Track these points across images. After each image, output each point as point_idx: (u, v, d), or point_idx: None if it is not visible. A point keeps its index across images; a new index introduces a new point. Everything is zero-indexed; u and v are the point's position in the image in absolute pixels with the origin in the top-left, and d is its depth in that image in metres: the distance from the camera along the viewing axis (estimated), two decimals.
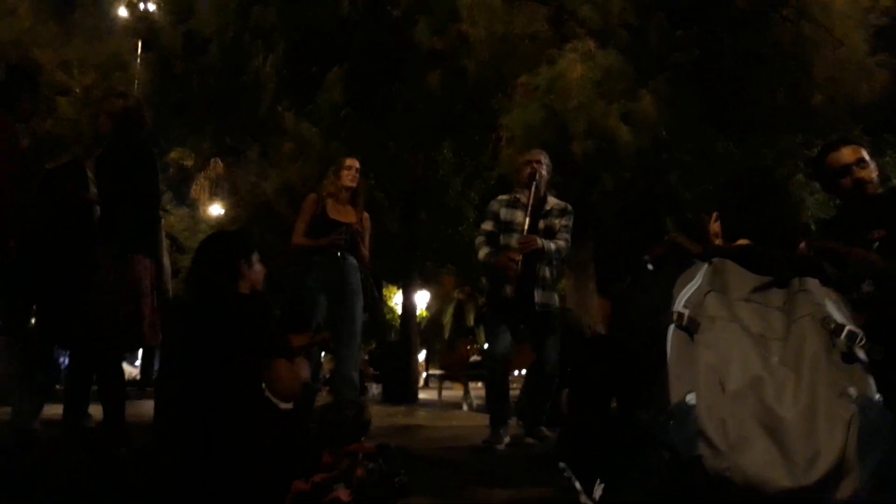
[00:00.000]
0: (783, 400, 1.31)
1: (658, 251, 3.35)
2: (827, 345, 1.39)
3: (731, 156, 9.08)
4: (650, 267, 2.29)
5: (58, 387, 4.87)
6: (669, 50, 8.59)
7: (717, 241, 1.83)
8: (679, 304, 1.46)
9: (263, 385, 2.63)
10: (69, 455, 3.39)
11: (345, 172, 4.57)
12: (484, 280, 4.63)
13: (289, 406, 2.82)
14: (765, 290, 1.51)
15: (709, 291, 1.47)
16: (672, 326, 1.43)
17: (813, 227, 8.21)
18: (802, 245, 1.98)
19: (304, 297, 4.37)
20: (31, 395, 3.85)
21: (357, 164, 4.66)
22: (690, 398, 1.32)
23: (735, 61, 8.46)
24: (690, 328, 1.41)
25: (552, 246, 4.33)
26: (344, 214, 4.53)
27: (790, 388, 1.32)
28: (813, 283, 1.50)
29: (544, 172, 4.49)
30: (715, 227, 1.87)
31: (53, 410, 4.08)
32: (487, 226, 4.55)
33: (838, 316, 1.44)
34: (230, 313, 2.64)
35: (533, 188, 4.37)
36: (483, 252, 4.47)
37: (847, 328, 1.41)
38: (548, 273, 4.43)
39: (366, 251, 4.57)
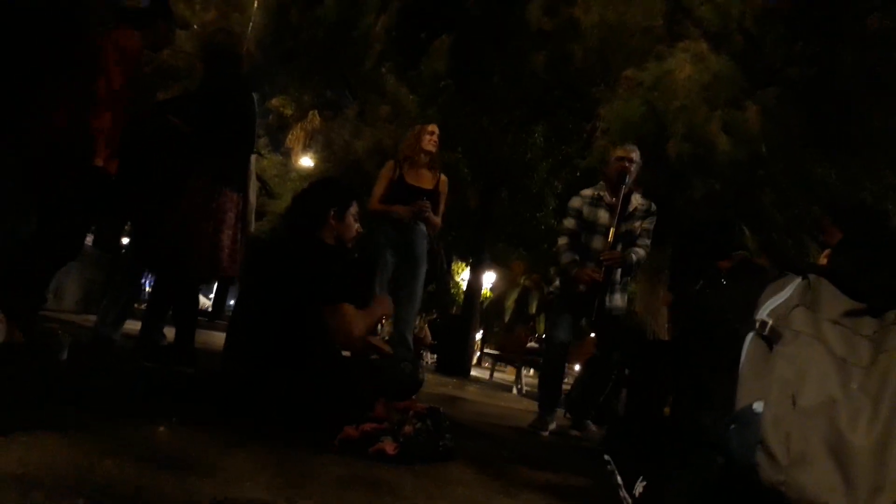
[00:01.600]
0: (856, 427, 1.27)
1: (726, 265, 3.27)
2: None
3: (829, 184, 8.67)
4: (723, 281, 2.24)
5: (137, 305, 5.09)
6: (785, 63, 8.24)
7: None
8: (763, 313, 1.43)
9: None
10: (140, 365, 3.58)
11: (427, 137, 4.61)
12: (553, 271, 4.58)
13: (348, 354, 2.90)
14: (857, 315, 1.46)
15: (797, 305, 1.43)
16: (752, 334, 1.41)
17: None
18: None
19: (373, 255, 4.47)
20: (116, 306, 4.04)
21: (438, 131, 4.69)
22: (758, 406, 1.30)
23: (851, 83, 8.03)
24: (771, 338, 1.38)
25: (634, 258, 4.26)
26: (421, 179, 4.57)
27: (865, 417, 1.28)
28: None
29: (633, 171, 4.36)
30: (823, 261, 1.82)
31: (132, 326, 4.29)
32: (570, 223, 4.45)
33: None
34: (300, 256, 2.71)
35: (621, 191, 4.27)
36: (565, 259, 4.37)
37: None
38: (624, 278, 4.41)
39: (437, 218, 4.58)
